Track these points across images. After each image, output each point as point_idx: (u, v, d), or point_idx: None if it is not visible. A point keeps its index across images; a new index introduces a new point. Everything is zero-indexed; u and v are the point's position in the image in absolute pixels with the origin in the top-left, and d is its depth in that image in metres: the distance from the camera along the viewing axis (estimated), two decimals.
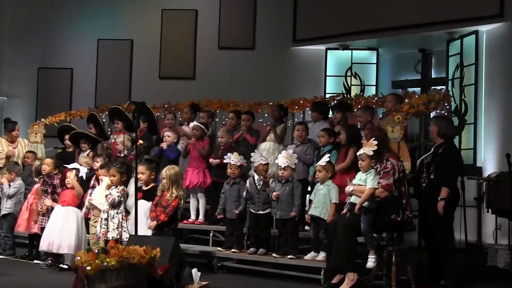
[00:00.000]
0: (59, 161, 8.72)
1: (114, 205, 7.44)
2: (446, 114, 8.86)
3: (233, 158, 8.05)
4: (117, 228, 7.38)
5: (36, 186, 8.90)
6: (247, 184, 7.88)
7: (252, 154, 7.95)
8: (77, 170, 8.37)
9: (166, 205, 7.17)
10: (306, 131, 8.50)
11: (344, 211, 6.92)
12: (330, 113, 9.34)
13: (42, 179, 8.64)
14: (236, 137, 9.22)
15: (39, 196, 8.64)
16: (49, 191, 8.43)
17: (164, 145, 9.22)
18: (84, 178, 8.40)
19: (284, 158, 7.61)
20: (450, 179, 7.02)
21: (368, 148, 6.62)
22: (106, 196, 7.52)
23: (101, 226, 7.47)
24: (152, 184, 7.60)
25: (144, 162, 7.71)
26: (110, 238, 7.31)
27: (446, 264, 7.05)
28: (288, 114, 9.92)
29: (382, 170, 6.66)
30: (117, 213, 7.44)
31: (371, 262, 6.58)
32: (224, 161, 8.13)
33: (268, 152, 8.81)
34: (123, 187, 7.54)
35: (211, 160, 8.86)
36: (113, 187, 7.55)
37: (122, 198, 7.47)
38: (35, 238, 8.64)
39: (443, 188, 6.96)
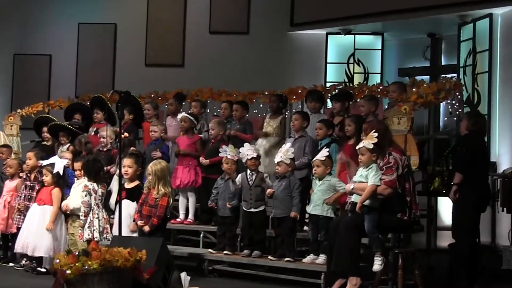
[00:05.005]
0: (40, 152, 8.66)
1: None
2: (457, 104, 8.86)
3: (229, 152, 7.96)
4: (88, 227, 7.37)
5: (14, 182, 8.83)
6: (238, 178, 7.82)
7: (241, 149, 7.90)
8: (52, 165, 8.28)
9: (154, 204, 7.18)
10: (301, 120, 8.37)
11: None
12: (329, 103, 9.32)
13: (28, 174, 8.56)
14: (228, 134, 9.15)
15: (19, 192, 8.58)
16: (37, 187, 8.34)
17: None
18: (61, 172, 8.33)
19: (279, 153, 7.60)
20: (459, 163, 7.11)
21: (368, 141, 6.59)
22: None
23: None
24: (136, 182, 7.57)
25: (130, 155, 7.69)
26: (85, 240, 7.29)
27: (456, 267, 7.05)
28: (287, 105, 9.87)
29: (385, 166, 6.58)
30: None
31: (377, 265, 6.53)
32: (220, 154, 8.06)
33: (265, 147, 8.79)
34: (86, 184, 7.49)
35: (201, 159, 8.78)
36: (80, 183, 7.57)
37: (87, 198, 7.43)
38: (9, 238, 8.61)
39: (455, 174, 7.07)
